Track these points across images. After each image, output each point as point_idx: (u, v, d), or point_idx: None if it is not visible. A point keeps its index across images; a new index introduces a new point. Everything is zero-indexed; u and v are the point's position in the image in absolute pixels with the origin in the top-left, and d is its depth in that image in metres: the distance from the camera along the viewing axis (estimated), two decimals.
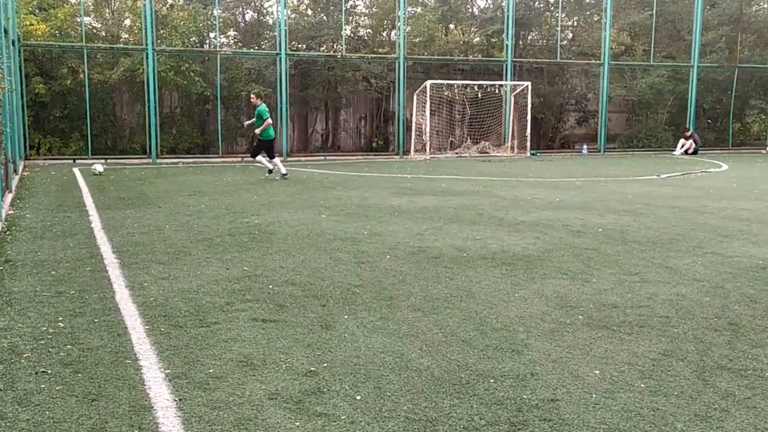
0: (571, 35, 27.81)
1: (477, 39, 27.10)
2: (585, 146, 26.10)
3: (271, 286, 6.48)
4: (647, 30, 27.78)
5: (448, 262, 7.53)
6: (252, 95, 16.77)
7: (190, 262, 7.46)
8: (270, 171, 16.24)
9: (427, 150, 23.41)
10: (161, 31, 22.75)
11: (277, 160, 16.42)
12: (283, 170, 16.05)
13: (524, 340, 5.05)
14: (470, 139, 24.84)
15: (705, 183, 15.98)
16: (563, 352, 4.80)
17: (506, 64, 24.69)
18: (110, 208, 11.36)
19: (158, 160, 21.72)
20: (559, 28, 26.76)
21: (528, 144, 24.35)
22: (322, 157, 23.70)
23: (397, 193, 13.47)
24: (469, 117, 25.10)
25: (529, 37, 28.22)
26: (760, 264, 7.42)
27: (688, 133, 25.87)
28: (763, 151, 27.50)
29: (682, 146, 25.69)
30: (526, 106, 24.19)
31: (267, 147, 16.31)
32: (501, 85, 24.63)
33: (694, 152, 25.36)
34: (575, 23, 28.99)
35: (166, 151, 22.70)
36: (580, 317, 5.61)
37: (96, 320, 5.44)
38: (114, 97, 23.41)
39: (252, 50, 24.60)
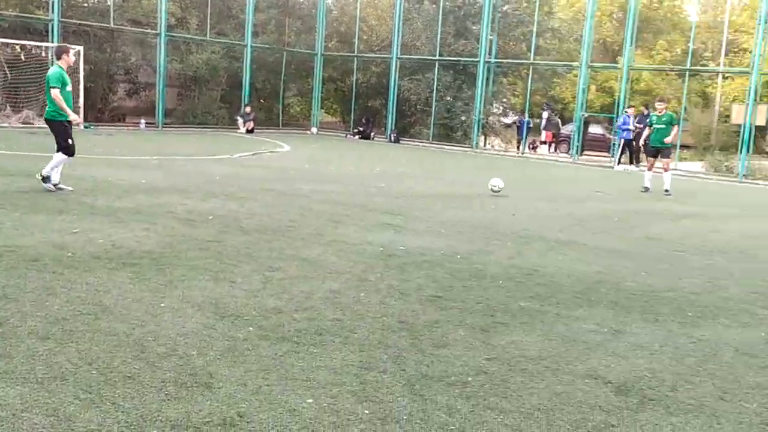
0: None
1: None
2: (143, 121, 24.71)
3: None
4: (198, 4, 27.42)
5: (54, 265, 6.06)
6: None
7: None
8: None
9: None
10: None
11: None
12: None
13: (205, 367, 4.16)
14: (10, 107, 21.48)
15: (282, 164, 16.20)
16: (259, 379, 4.05)
17: (52, 24, 21.89)
18: None
19: None
20: None
21: (81, 115, 21.97)
22: None
23: None
24: (9, 82, 21.67)
25: None
26: (382, 251, 7.52)
27: (249, 110, 26.24)
28: (308, 132, 29.41)
29: (244, 125, 25.88)
30: (78, 72, 21.80)
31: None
32: (47, 48, 21.75)
33: (251, 131, 25.88)
34: None
35: None
36: (251, 329, 4.88)
37: None
38: None
39: None
